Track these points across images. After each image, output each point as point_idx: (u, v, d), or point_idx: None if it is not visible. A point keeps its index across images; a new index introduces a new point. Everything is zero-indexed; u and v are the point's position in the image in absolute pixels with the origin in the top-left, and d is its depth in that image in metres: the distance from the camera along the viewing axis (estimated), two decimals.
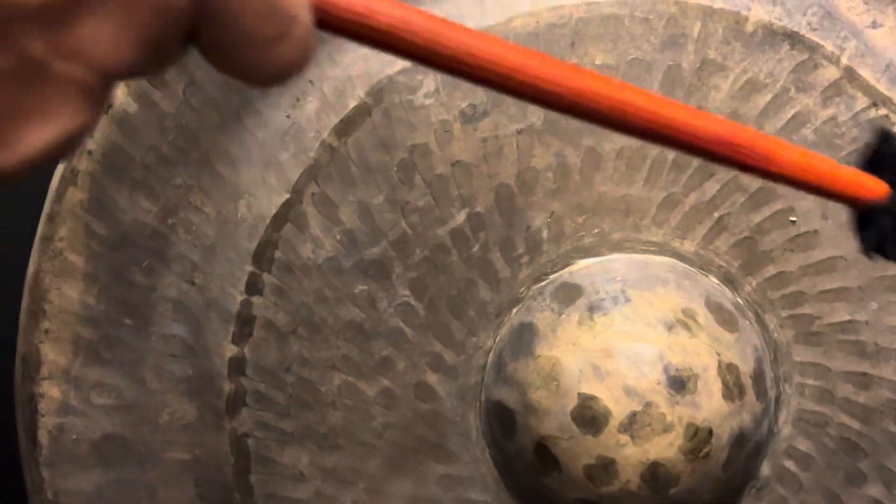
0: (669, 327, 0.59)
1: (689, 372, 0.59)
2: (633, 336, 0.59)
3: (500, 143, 0.62)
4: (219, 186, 0.62)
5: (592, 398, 0.58)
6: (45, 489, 0.63)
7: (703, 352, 0.59)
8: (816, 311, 0.63)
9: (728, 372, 0.60)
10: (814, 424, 0.63)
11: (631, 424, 0.58)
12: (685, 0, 0.61)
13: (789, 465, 0.63)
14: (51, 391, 0.62)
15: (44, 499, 0.63)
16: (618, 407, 0.58)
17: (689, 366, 0.59)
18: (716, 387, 0.59)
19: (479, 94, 0.62)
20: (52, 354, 0.62)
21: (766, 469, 0.63)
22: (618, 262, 0.62)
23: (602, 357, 0.59)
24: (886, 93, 0.62)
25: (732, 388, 0.59)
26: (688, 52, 0.62)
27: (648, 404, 0.58)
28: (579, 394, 0.59)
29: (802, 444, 0.63)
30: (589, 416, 0.58)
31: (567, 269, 0.62)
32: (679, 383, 0.58)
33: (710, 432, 0.59)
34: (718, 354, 0.59)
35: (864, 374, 0.63)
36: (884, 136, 0.48)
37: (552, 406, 0.59)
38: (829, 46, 0.62)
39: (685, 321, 0.60)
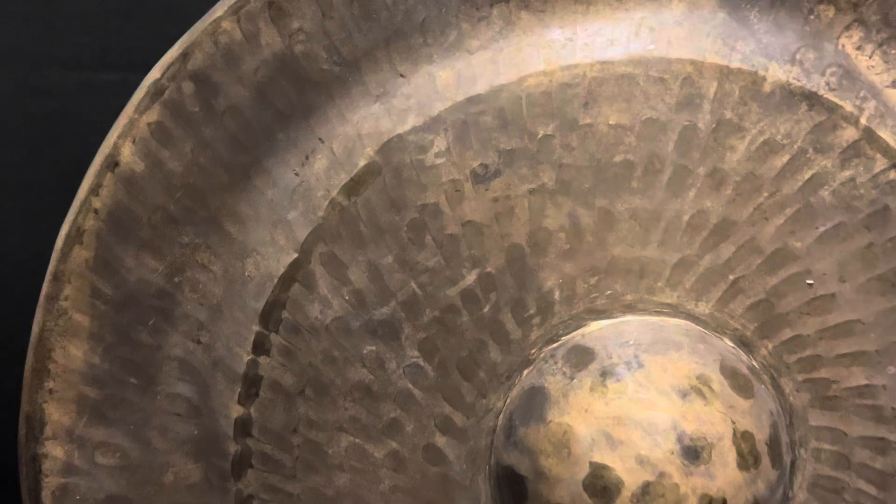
0: (683, 395, 0.58)
1: (703, 441, 0.57)
2: (646, 404, 0.58)
3: (511, 204, 0.61)
4: (226, 245, 0.62)
5: (604, 467, 0.57)
6: None
7: (717, 420, 0.58)
8: (833, 376, 0.62)
9: (743, 440, 0.58)
10: (830, 490, 0.62)
11: (644, 495, 0.57)
12: (701, 60, 0.60)
13: None
14: (54, 451, 0.61)
15: None
16: (630, 477, 0.57)
17: (703, 435, 0.57)
18: (731, 456, 0.58)
19: (491, 154, 0.61)
20: (56, 414, 0.61)
21: None
22: (631, 325, 0.61)
23: (615, 425, 0.57)
24: None
25: (748, 457, 0.58)
26: (704, 113, 0.60)
27: (662, 475, 0.57)
28: (591, 462, 0.57)
29: None
30: (601, 486, 0.57)
31: (579, 332, 0.61)
32: (693, 453, 0.57)
33: (725, 503, 0.58)
34: (733, 422, 0.58)
35: (882, 439, 0.62)
36: None
37: (563, 474, 0.58)
38: (848, 106, 0.61)
39: (700, 388, 0.59)
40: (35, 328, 0.61)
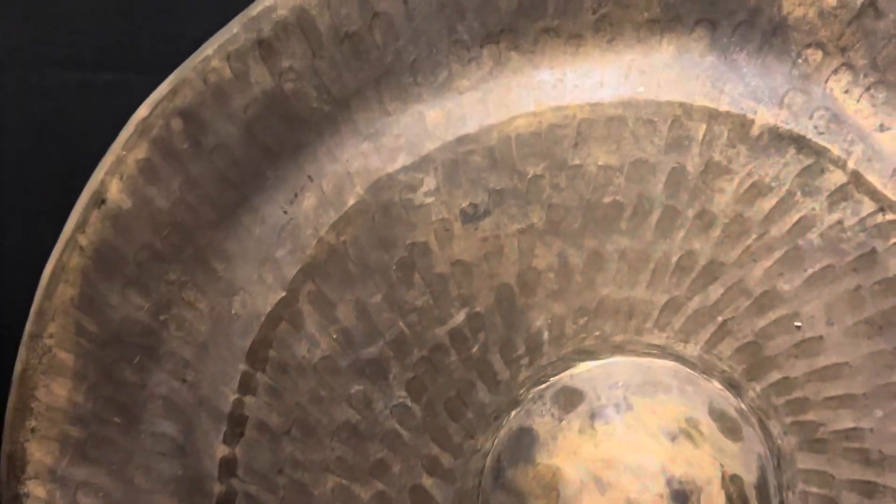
0: (672, 438, 0.58)
1: (692, 485, 0.57)
2: (635, 447, 0.57)
3: (500, 243, 0.61)
4: (213, 283, 0.61)
5: None
6: None
7: (706, 464, 0.58)
8: (821, 418, 0.62)
9: (732, 484, 0.58)
10: None
11: None
12: (690, 103, 0.60)
13: None
14: (36, 491, 0.61)
15: None
16: None
17: (692, 479, 0.57)
18: (719, 500, 0.57)
19: (480, 194, 0.61)
20: (39, 453, 0.60)
21: None
22: (619, 366, 0.61)
23: (604, 468, 0.57)
24: (893, 198, 0.61)
25: (736, 501, 0.58)
26: (692, 155, 0.61)
27: None
28: None
29: None
30: None
31: (568, 372, 0.61)
32: (682, 497, 0.57)
33: None
34: (722, 466, 0.58)
35: (869, 482, 0.62)
36: None
37: None
38: (835, 150, 0.61)
39: (688, 431, 0.58)
40: (18, 366, 0.60)
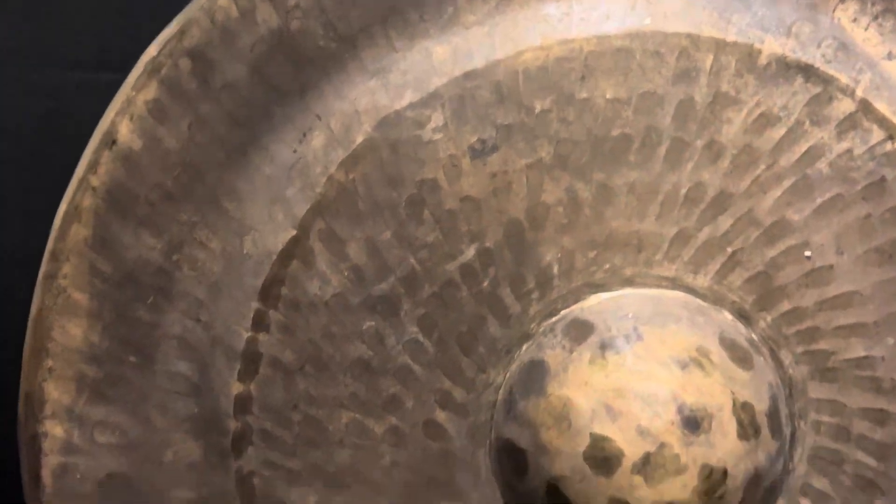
0: (683, 366, 0.58)
1: (703, 412, 0.57)
2: (645, 375, 0.58)
3: (509, 179, 0.61)
4: (224, 222, 0.61)
5: (605, 439, 0.57)
6: None
7: (717, 391, 0.58)
8: (832, 347, 0.62)
9: (743, 411, 0.58)
10: (830, 462, 0.62)
11: (644, 466, 0.57)
12: (697, 33, 0.60)
13: (805, 503, 0.62)
14: (54, 430, 0.61)
15: None
16: (631, 448, 0.57)
17: (703, 405, 0.58)
18: (731, 426, 0.58)
19: (488, 129, 0.61)
20: (56, 393, 0.61)
21: None
22: (630, 298, 0.61)
23: (614, 397, 0.57)
24: None
25: (747, 428, 0.58)
26: (700, 86, 0.61)
27: (662, 445, 0.57)
28: (591, 434, 0.58)
29: (818, 482, 0.62)
30: (601, 458, 0.57)
31: (578, 305, 0.61)
32: (693, 423, 0.57)
33: (725, 473, 0.58)
34: (733, 393, 0.58)
35: (881, 410, 0.62)
36: None
37: (564, 446, 0.58)
38: (843, 79, 0.61)
39: (699, 360, 0.59)
40: (34, 307, 0.61)
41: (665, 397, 0.57)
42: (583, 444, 0.58)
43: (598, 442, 0.58)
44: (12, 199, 0.82)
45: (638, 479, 0.57)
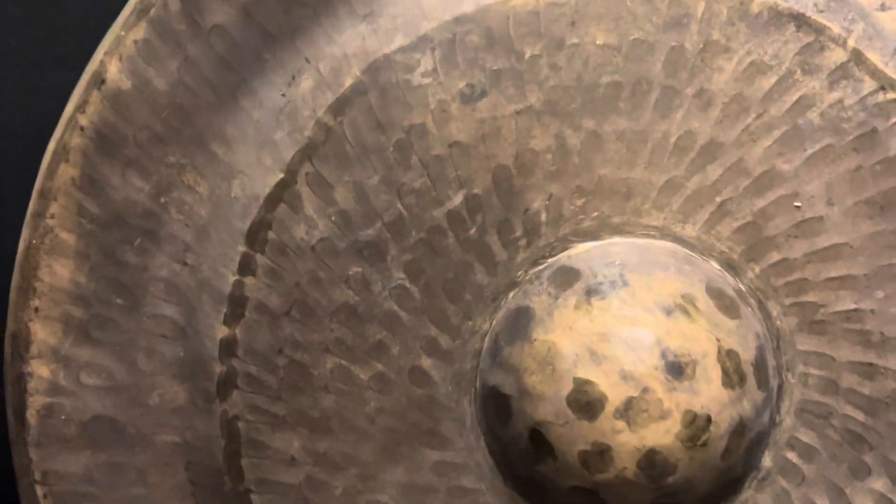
0: (668, 312, 0.58)
1: (687, 357, 0.57)
2: (630, 320, 0.57)
3: (498, 124, 0.61)
4: (212, 165, 0.62)
5: (588, 383, 0.57)
6: (33, 470, 0.62)
7: (702, 337, 0.58)
8: (821, 300, 0.61)
9: (728, 359, 0.58)
10: (817, 415, 0.62)
11: (627, 410, 0.57)
12: None
13: (792, 456, 0.62)
14: (40, 370, 0.62)
15: (31, 480, 0.62)
16: (614, 392, 0.57)
17: (687, 351, 0.57)
18: (715, 373, 0.57)
19: (478, 74, 0.60)
20: (42, 333, 0.61)
21: (767, 460, 0.61)
22: (617, 246, 0.61)
23: (599, 341, 0.57)
24: (894, 76, 0.60)
25: (732, 376, 0.58)
26: (691, 33, 0.60)
27: (645, 390, 0.57)
28: (575, 378, 0.57)
29: (805, 436, 0.62)
30: (584, 402, 0.57)
31: (565, 253, 0.61)
32: (677, 369, 0.57)
33: (709, 420, 0.57)
34: (718, 340, 0.58)
35: (870, 364, 0.61)
36: None
37: (547, 391, 0.58)
38: (836, 28, 0.61)
39: (684, 306, 0.58)
40: (21, 245, 0.61)
41: (649, 342, 0.57)
42: (566, 388, 0.57)
43: (581, 386, 0.57)
44: (12, 199, 0.83)
45: (620, 424, 0.57)
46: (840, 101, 0.61)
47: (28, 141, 0.82)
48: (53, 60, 0.81)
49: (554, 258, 0.61)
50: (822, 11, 0.61)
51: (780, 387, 0.61)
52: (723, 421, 0.58)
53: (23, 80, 0.81)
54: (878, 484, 0.62)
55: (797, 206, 0.61)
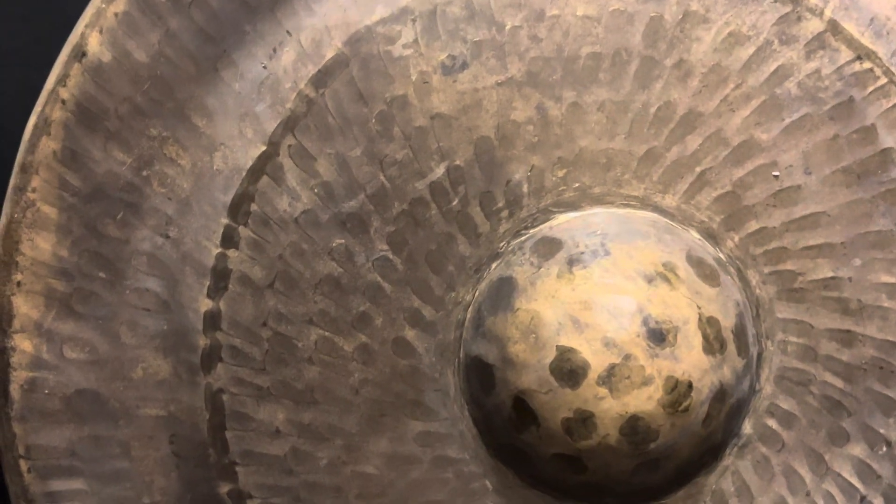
0: (649, 280, 0.58)
1: (668, 324, 0.58)
2: (612, 288, 0.58)
3: (479, 96, 0.61)
4: (194, 138, 0.62)
5: (571, 350, 0.58)
6: (17, 444, 0.62)
7: (683, 304, 0.58)
8: (799, 268, 0.62)
9: (709, 325, 0.59)
10: (797, 382, 0.62)
11: (609, 377, 0.57)
12: None
13: (772, 423, 0.62)
14: (23, 344, 0.61)
15: (15, 454, 0.62)
16: (596, 359, 0.57)
17: (668, 318, 0.58)
18: (696, 340, 0.58)
19: (459, 46, 0.61)
20: (25, 307, 0.61)
21: (748, 427, 0.62)
22: (598, 216, 0.61)
23: (581, 309, 0.58)
24: (871, 46, 0.61)
25: (713, 342, 0.59)
26: (670, 4, 0.61)
27: (627, 357, 0.57)
28: (558, 346, 0.58)
29: (785, 403, 0.62)
30: (567, 369, 0.58)
31: (547, 224, 0.61)
32: (658, 336, 0.58)
33: (690, 386, 0.58)
34: (699, 308, 0.59)
35: (848, 331, 0.62)
36: None
37: (530, 359, 0.58)
38: None
39: (665, 274, 0.59)
40: (3, 219, 0.61)
41: (631, 309, 0.58)
42: (549, 356, 0.58)
43: (564, 354, 0.58)
44: None
45: (603, 391, 0.57)
46: (817, 70, 0.61)
47: None
48: (53, 60, 0.80)
49: (536, 229, 0.61)
50: None
51: (759, 354, 0.62)
52: (704, 387, 0.58)
53: (23, 80, 0.80)
54: (857, 450, 0.62)
55: (775, 176, 0.62)
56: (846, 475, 0.62)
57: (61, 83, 0.60)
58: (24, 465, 0.62)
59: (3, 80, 0.81)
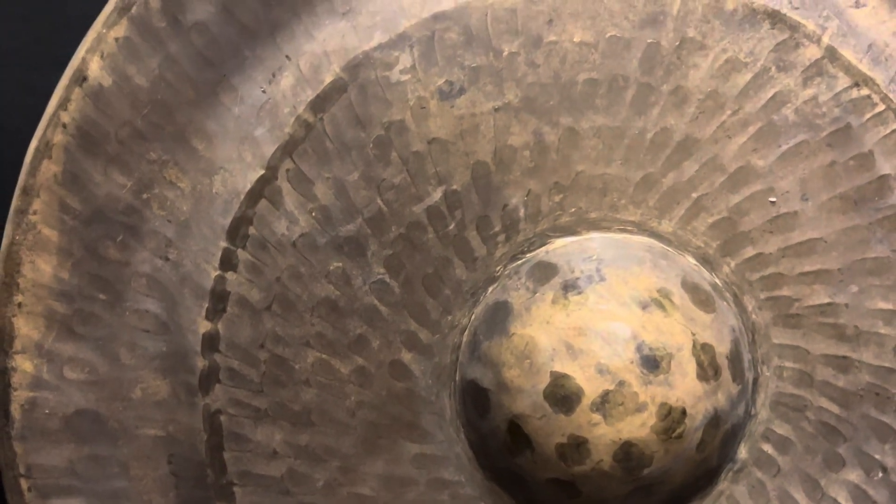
0: (644, 306, 0.59)
1: (662, 351, 0.58)
2: (606, 315, 0.58)
3: (476, 121, 0.61)
4: (194, 162, 0.62)
5: (565, 377, 0.58)
6: (17, 463, 0.62)
7: (677, 331, 0.58)
8: (795, 294, 0.62)
9: (703, 352, 0.59)
10: (792, 408, 0.63)
11: (603, 403, 0.58)
12: None
13: (767, 448, 0.62)
14: (23, 365, 0.62)
15: (16, 473, 0.62)
16: (590, 386, 0.57)
17: (662, 345, 0.58)
18: (690, 367, 0.58)
19: (456, 71, 0.61)
20: (26, 328, 0.62)
21: (743, 452, 0.62)
22: (594, 241, 0.61)
23: (575, 335, 0.58)
24: (869, 73, 0.61)
25: (707, 369, 0.59)
26: (667, 30, 0.61)
27: (621, 383, 0.57)
28: (552, 372, 0.58)
29: (781, 428, 0.63)
30: (561, 395, 0.58)
31: (543, 248, 0.62)
32: (652, 363, 0.58)
33: (684, 412, 0.58)
34: (693, 334, 0.59)
35: (844, 357, 0.62)
36: None
37: (525, 385, 0.58)
38: (810, 25, 0.61)
39: (660, 300, 0.59)
40: (4, 241, 0.62)
41: (625, 336, 0.58)
42: (543, 381, 0.58)
43: (558, 380, 0.58)
44: (10, 198, 0.83)
45: (597, 417, 0.57)
46: (814, 97, 0.61)
47: (28, 142, 0.82)
48: (53, 60, 0.81)
49: (532, 253, 0.62)
50: (796, 8, 0.61)
51: (755, 380, 0.62)
52: (698, 413, 0.59)
53: (23, 80, 0.81)
54: (853, 475, 0.62)
55: (772, 202, 0.62)
56: (842, 501, 0.62)
57: (62, 107, 0.61)
58: (24, 483, 0.63)
59: (3, 80, 0.81)
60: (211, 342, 0.62)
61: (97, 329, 0.62)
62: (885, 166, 0.61)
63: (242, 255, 0.62)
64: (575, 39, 0.61)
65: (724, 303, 0.61)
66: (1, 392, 0.62)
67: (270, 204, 0.62)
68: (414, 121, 0.61)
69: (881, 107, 0.61)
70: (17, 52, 0.81)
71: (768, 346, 0.62)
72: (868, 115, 0.61)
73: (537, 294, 0.60)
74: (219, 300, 0.62)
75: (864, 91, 0.61)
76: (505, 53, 0.61)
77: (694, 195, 0.62)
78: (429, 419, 0.62)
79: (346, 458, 0.62)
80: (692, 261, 0.62)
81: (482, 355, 0.60)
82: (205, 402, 0.62)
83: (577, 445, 0.58)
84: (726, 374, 0.60)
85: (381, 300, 0.62)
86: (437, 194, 0.62)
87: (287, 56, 0.61)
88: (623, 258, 0.61)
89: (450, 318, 0.62)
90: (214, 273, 0.62)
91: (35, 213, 0.61)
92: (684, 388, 0.58)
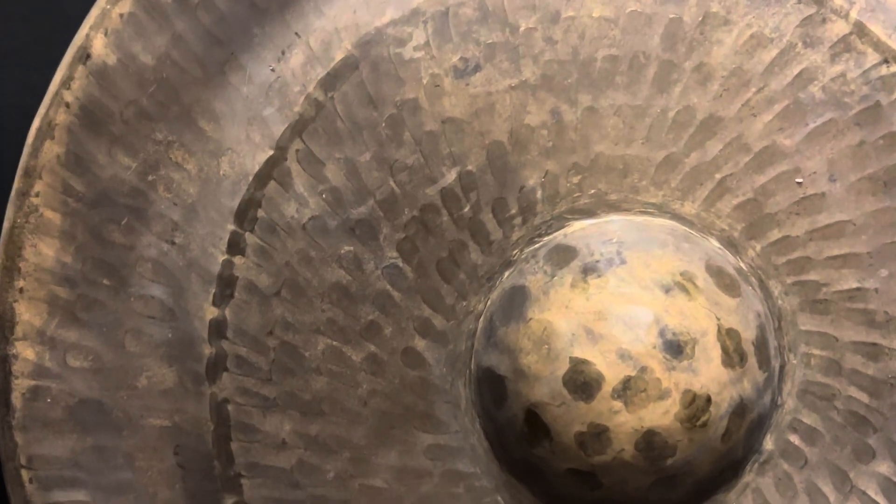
0: (667, 290, 0.57)
1: (686, 336, 0.56)
2: (628, 298, 0.56)
3: (492, 99, 0.59)
4: (201, 143, 0.60)
5: (584, 362, 0.56)
6: (19, 454, 0.60)
7: (701, 315, 0.56)
8: (823, 278, 0.60)
9: (728, 337, 0.57)
10: (820, 397, 0.60)
11: (625, 390, 0.55)
12: None
13: (794, 439, 0.60)
14: (25, 352, 0.60)
15: (17, 465, 0.60)
16: (611, 372, 0.55)
17: (686, 329, 0.56)
18: (715, 352, 0.56)
19: (471, 48, 0.59)
20: (27, 314, 0.60)
21: (769, 443, 0.60)
22: (614, 224, 0.59)
23: (595, 320, 0.56)
24: None
25: (733, 355, 0.57)
26: (689, 5, 0.59)
27: (643, 369, 0.55)
28: (571, 358, 0.56)
29: (808, 418, 0.60)
30: (581, 382, 0.56)
31: (561, 231, 0.60)
32: (676, 348, 0.56)
33: (709, 400, 0.56)
34: (718, 319, 0.57)
35: (874, 344, 0.60)
36: None
37: (543, 371, 0.56)
38: (837, 0, 0.59)
39: (683, 284, 0.57)
40: (6, 224, 0.60)
41: (647, 320, 0.56)
42: (562, 368, 0.56)
43: (577, 366, 0.56)
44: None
45: (618, 404, 0.55)
46: (842, 74, 0.59)
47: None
48: (53, 60, 0.80)
49: (550, 236, 0.60)
50: None
51: (781, 367, 0.60)
52: (723, 401, 0.56)
53: (23, 80, 0.80)
54: (883, 467, 0.60)
55: (798, 183, 0.60)
56: (871, 493, 0.60)
57: (65, 86, 0.59)
58: (25, 475, 0.61)
59: (3, 80, 0.80)
60: (218, 329, 0.60)
61: (101, 315, 0.61)
62: None
63: (251, 238, 0.60)
64: (594, 14, 0.59)
65: (750, 287, 0.59)
66: (2, 380, 0.60)
67: (280, 186, 0.60)
68: (427, 99, 0.59)
69: None
70: (17, 52, 0.80)
71: (795, 332, 0.60)
72: None
73: (555, 278, 0.58)
74: (226, 285, 0.60)
75: (894, 68, 0.59)
76: (522, 29, 0.59)
77: (718, 176, 0.60)
78: (443, 408, 0.60)
79: (357, 448, 0.60)
80: (716, 244, 0.59)
81: (498, 342, 0.58)
82: (212, 391, 0.61)
83: (598, 434, 0.56)
84: (752, 361, 0.57)
85: (394, 285, 0.60)
86: (451, 175, 0.60)
87: (297, 33, 0.60)
88: (644, 241, 0.58)
89: (465, 303, 0.60)
90: (222, 257, 0.60)
91: (37, 195, 0.60)
92: (709, 374, 0.56)
